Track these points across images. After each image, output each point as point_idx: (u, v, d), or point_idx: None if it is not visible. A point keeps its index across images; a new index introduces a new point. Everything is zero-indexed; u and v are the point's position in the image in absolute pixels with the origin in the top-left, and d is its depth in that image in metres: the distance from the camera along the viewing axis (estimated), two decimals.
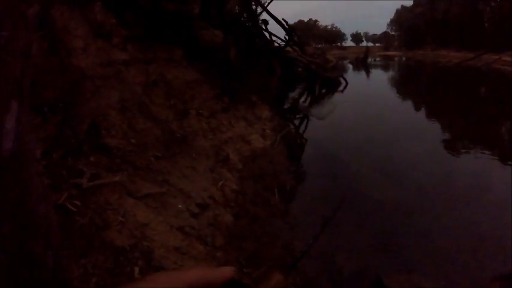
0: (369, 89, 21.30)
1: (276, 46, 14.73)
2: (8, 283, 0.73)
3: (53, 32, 2.86)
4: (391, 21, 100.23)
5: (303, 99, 14.88)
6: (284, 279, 0.70)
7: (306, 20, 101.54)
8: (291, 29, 15.54)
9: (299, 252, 3.18)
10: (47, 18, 2.76)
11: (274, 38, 14.86)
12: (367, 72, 32.28)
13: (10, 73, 0.84)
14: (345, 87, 17.97)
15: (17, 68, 0.91)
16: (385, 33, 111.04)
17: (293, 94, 15.48)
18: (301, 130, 9.07)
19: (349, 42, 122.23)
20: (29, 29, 1.34)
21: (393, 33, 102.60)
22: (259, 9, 13.97)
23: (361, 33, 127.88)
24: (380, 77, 29.93)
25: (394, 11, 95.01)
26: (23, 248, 0.78)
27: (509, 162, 7.19)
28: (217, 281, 0.48)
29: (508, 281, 3.28)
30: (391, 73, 35.34)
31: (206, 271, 0.48)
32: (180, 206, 3.14)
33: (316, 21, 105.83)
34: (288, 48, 16.07)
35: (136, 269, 2.32)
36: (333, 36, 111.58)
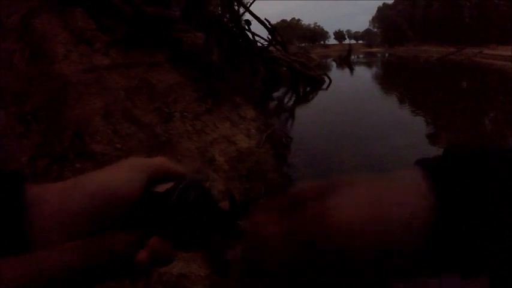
0: (353, 85, 21.54)
1: (259, 46, 14.79)
2: None
3: (34, 39, 2.87)
4: (373, 18, 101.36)
5: (287, 98, 14.98)
6: None
7: (288, 20, 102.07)
8: (273, 29, 15.63)
9: None
10: (27, 27, 2.77)
11: (257, 38, 14.93)
12: (351, 70, 32.60)
13: None
14: (329, 85, 18.14)
15: (0, 79, 0.94)
16: (367, 31, 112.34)
17: (277, 93, 15.57)
18: (286, 128, 9.15)
19: (332, 41, 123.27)
20: (10, 39, 1.37)
21: (375, 30, 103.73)
22: (241, 10, 14.04)
23: (344, 31, 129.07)
24: (364, 74, 30.29)
25: (376, 9, 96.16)
26: None
27: None
28: (176, 172, 0.51)
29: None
30: (374, 70, 35.80)
31: (167, 161, 0.51)
32: None
33: (298, 20, 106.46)
34: (272, 48, 16.16)
35: None
36: (316, 34, 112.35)
